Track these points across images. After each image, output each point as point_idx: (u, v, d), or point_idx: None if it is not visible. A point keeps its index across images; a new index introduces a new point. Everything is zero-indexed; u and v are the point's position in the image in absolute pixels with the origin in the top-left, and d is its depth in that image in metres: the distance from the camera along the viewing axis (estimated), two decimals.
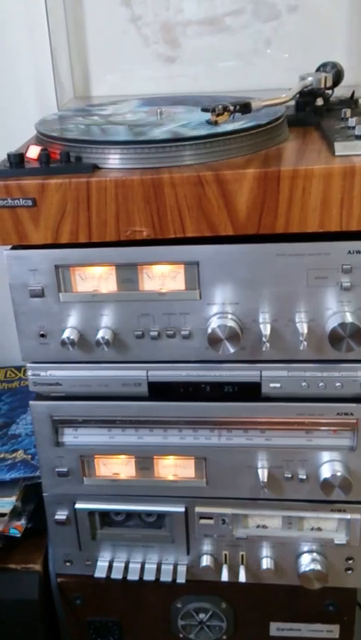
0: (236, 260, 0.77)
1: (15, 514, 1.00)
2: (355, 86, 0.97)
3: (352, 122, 0.80)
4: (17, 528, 1.00)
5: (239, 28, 1.07)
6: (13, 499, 1.00)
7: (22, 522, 1.00)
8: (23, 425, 1.15)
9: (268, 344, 0.78)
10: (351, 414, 0.83)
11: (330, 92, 0.90)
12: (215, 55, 1.08)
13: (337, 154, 0.74)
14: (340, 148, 0.74)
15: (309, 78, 0.88)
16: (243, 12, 1.06)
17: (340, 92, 0.93)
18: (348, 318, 0.76)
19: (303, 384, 0.82)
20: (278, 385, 0.82)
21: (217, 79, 1.09)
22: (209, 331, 0.78)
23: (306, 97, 0.89)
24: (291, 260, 0.76)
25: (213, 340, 0.78)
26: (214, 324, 0.78)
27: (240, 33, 1.07)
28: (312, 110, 0.89)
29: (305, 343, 0.77)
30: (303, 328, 0.77)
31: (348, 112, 0.83)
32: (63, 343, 0.81)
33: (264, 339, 0.78)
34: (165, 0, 1.06)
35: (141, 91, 1.08)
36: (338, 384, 0.81)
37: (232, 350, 0.78)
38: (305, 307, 0.78)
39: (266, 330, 0.78)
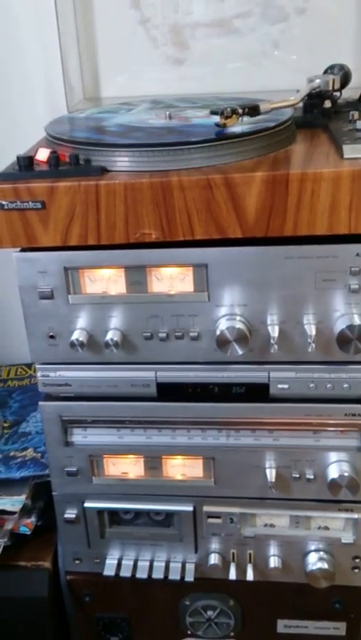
0: (245, 263, 0.77)
1: (25, 512, 1.01)
2: None
3: (360, 124, 0.80)
4: (27, 526, 1.00)
5: (247, 30, 1.07)
6: (23, 497, 1.00)
7: (32, 519, 1.01)
8: (33, 423, 1.15)
9: (276, 346, 0.78)
10: (359, 415, 0.83)
11: (338, 94, 0.90)
12: (223, 57, 1.09)
13: (345, 156, 0.74)
14: (349, 150, 0.74)
15: (317, 80, 0.88)
16: (251, 15, 1.06)
17: (348, 93, 0.93)
18: (357, 320, 0.76)
19: (311, 385, 0.82)
20: (286, 386, 0.83)
21: (225, 81, 1.09)
22: (217, 332, 0.78)
23: (314, 99, 0.89)
24: (299, 263, 0.76)
25: (222, 342, 0.78)
26: (223, 325, 0.78)
27: (248, 35, 1.07)
28: (320, 112, 0.89)
29: (313, 345, 0.77)
30: (311, 330, 0.78)
31: (356, 114, 0.83)
32: (72, 344, 0.81)
33: (272, 340, 0.78)
34: (174, 2, 1.07)
35: (150, 92, 1.08)
36: (346, 385, 0.81)
37: (240, 352, 0.79)
38: (313, 309, 0.78)
39: (274, 331, 0.78)
